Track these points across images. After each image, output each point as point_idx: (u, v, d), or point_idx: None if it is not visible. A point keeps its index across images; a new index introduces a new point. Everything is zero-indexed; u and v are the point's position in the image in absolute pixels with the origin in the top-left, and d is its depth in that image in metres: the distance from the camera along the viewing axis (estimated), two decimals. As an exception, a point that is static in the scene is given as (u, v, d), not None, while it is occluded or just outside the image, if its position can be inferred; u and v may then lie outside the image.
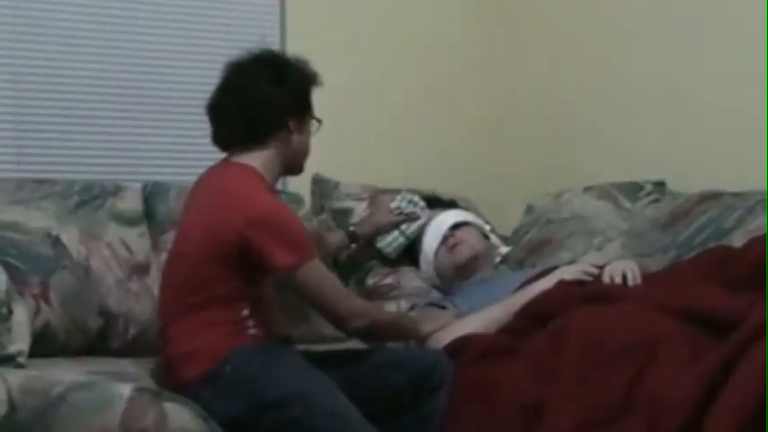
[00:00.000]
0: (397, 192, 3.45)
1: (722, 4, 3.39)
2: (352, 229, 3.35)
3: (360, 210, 3.51)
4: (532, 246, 3.57)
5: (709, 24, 3.43)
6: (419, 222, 3.37)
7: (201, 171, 2.85)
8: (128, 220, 3.17)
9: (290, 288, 2.71)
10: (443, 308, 3.18)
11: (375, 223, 3.37)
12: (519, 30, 4.13)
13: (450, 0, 4.09)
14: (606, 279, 2.88)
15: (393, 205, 3.37)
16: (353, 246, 3.35)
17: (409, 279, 3.44)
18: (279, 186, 3.16)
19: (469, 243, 3.33)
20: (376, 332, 2.82)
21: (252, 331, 2.66)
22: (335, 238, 3.32)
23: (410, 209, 3.36)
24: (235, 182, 2.69)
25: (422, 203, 3.40)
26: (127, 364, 2.83)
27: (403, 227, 3.36)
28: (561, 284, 2.89)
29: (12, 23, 3.37)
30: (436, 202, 3.49)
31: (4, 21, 3.36)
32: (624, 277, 2.87)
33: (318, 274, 2.66)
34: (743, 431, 1.97)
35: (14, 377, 2.33)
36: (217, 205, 2.67)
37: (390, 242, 3.38)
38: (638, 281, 2.85)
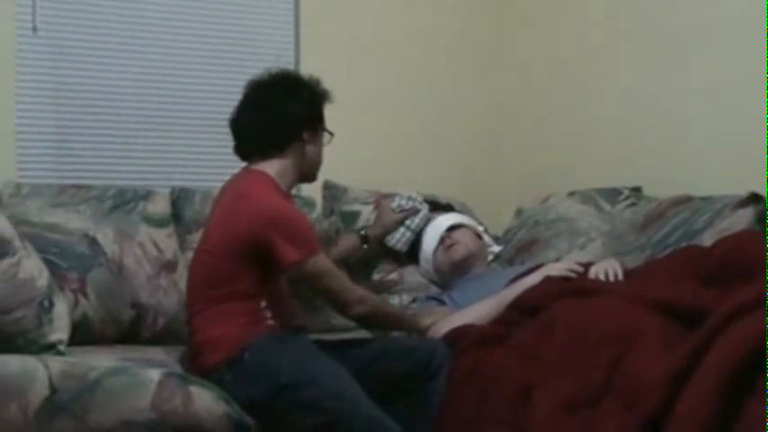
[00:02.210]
0: (396, 194, 3.46)
1: (695, 24, 3.39)
2: (363, 232, 3.35)
3: (366, 212, 3.51)
4: (522, 245, 3.56)
5: (682, 45, 3.43)
6: (421, 215, 3.39)
7: (223, 178, 2.86)
8: (157, 222, 3.17)
9: (299, 280, 2.72)
10: (442, 302, 3.18)
11: (382, 224, 3.37)
12: (511, 52, 4.13)
13: (449, 26, 4.09)
14: (592, 277, 2.88)
15: (394, 205, 3.38)
16: (365, 246, 3.35)
17: (411, 275, 3.44)
18: (294, 192, 3.16)
19: (464, 243, 3.33)
20: (377, 319, 2.82)
21: (269, 322, 2.66)
22: (349, 241, 3.32)
23: (410, 204, 3.39)
24: (249, 186, 2.70)
25: (419, 198, 3.42)
26: (156, 352, 2.83)
27: (407, 222, 3.38)
28: (548, 280, 2.89)
29: (53, 45, 3.37)
30: (434, 206, 3.50)
31: (45, 42, 3.36)
32: (606, 275, 2.87)
33: (323, 266, 2.66)
34: (711, 412, 1.96)
35: (55, 363, 2.33)
36: (233, 208, 2.68)
37: (399, 238, 3.39)
38: (620, 278, 2.85)
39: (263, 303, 2.66)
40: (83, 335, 2.83)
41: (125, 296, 2.98)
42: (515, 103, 4.10)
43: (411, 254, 3.45)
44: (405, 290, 3.41)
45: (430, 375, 2.68)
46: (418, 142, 3.99)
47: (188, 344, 2.76)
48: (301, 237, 2.62)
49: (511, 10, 4.13)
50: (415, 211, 3.39)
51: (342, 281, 2.74)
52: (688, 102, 3.41)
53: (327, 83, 2.84)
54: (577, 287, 2.76)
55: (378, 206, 3.47)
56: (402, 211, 3.37)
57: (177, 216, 3.24)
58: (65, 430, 2.25)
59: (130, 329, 3.00)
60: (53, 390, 2.24)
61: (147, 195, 3.21)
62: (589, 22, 3.81)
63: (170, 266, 3.11)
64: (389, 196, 3.47)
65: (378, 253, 3.44)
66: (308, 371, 2.52)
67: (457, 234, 3.35)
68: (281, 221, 2.60)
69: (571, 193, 3.60)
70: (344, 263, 3.32)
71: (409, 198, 3.39)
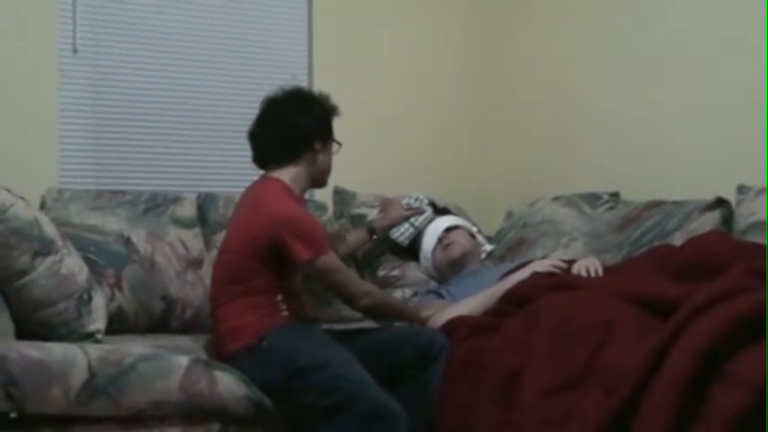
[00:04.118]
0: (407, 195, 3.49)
1: (669, 42, 3.39)
2: (372, 225, 3.36)
3: (373, 215, 3.53)
4: (512, 244, 3.56)
5: (654, 65, 3.43)
6: (425, 215, 3.41)
7: (244, 184, 2.87)
8: (185, 224, 3.18)
9: (311, 276, 2.72)
10: (440, 295, 3.18)
11: (390, 218, 3.39)
12: (500, 73, 4.14)
13: (445, 49, 4.09)
14: (575, 273, 2.88)
15: (404, 203, 3.42)
16: (374, 237, 3.37)
17: (412, 271, 3.45)
18: (307, 196, 3.16)
19: (460, 243, 3.34)
20: (382, 311, 2.82)
21: (284, 313, 2.66)
22: (357, 234, 3.33)
23: (417, 204, 3.42)
24: (265, 192, 2.71)
25: (426, 201, 3.46)
26: (184, 340, 2.84)
27: (412, 219, 3.41)
28: (535, 275, 2.88)
29: (92, 65, 3.38)
30: (433, 209, 3.50)
31: (85, 62, 3.37)
32: (588, 271, 2.87)
33: (332, 263, 2.66)
34: (680, 395, 1.96)
35: (94, 350, 2.33)
36: (251, 212, 2.68)
37: (403, 232, 3.42)
38: (600, 274, 2.85)
39: (280, 297, 2.66)
40: (118, 325, 2.85)
41: (156, 290, 2.99)
42: (506, 117, 4.11)
43: (410, 250, 3.46)
44: (407, 285, 3.41)
45: (429, 361, 2.67)
46: (418, 151, 3.99)
47: (212, 333, 2.76)
48: (312, 237, 2.62)
49: (500, 33, 4.14)
50: (421, 212, 3.42)
51: (349, 276, 2.75)
52: (662, 116, 3.42)
53: (337, 99, 2.84)
54: (561, 282, 2.76)
55: (383, 208, 3.48)
56: (410, 209, 3.41)
57: (203, 218, 3.25)
58: (102, 410, 2.25)
59: (161, 320, 3.01)
60: (92, 374, 2.25)
61: (175, 200, 3.22)
62: (571, 41, 3.81)
63: (196, 264, 3.12)
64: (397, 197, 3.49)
65: (380, 249, 3.46)
66: (321, 357, 2.52)
67: (453, 234, 3.36)
68: (293, 224, 2.61)
69: (556, 198, 3.60)
70: (352, 258, 3.33)
71: (417, 199, 3.45)
